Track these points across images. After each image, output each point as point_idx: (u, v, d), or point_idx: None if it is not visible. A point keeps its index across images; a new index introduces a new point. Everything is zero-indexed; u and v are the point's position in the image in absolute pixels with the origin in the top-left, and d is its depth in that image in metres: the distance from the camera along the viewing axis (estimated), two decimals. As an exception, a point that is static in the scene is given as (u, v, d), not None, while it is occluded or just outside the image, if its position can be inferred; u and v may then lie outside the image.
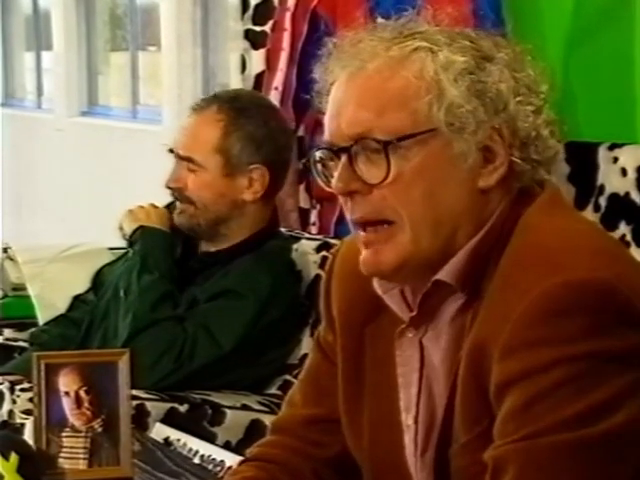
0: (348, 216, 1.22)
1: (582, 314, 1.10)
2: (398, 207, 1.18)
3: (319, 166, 1.24)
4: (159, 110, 5.39)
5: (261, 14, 3.00)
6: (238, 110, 2.25)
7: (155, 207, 2.39)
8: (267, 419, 2.11)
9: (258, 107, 2.31)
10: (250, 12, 3.03)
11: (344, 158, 1.19)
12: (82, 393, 1.74)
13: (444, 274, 1.20)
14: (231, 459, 1.74)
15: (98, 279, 2.50)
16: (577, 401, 1.09)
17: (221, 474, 1.73)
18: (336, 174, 1.20)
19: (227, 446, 2.01)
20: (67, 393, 1.74)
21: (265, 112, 2.30)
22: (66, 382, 1.74)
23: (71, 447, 1.74)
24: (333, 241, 2.42)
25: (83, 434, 1.74)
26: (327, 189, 1.22)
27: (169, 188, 2.29)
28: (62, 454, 1.74)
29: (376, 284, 1.25)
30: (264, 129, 2.25)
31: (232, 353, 2.18)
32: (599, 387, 1.09)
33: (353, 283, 1.30)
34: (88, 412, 1.74)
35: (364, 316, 1.30)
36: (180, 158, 2.26)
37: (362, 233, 1.21)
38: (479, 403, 1.15)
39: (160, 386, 2.13)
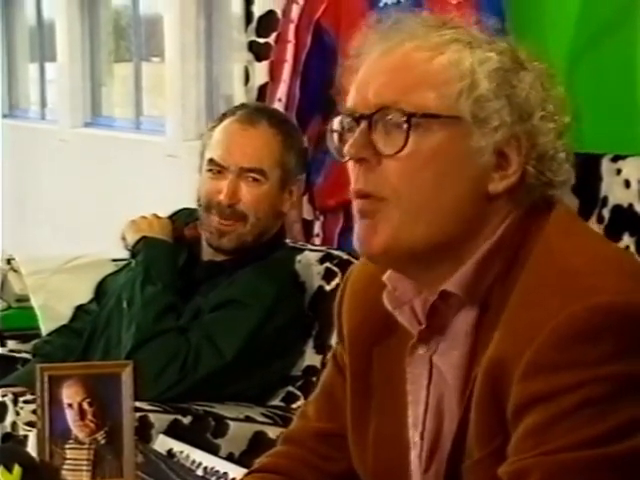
0: (351, 185, 1.21)
1: (609, 337, 1.10)
2: (401, 186, 1.17)
3: (335, 136, 1.23)
4: (162, 121, 5.40)
5: (265, 26, 3.01)
6: (287, 125, 2.33)
7: (158, 217, 2.39)
8: (270, 431, 2.11)
9: (293, 122, 2.42)
10: (254, 24, 3.04)
11: (363, 124, 1.19)
12: (85, 405, 1.73)
13: (451, 285, 1.19)
14: (234, 471, 1.74)
15: (100, 289, 2.50)
16: (599, 422, 1.09)
17: None
18: (351, 139, 1.19)
19: (230, 458, 2.01)
20: (70, 405, 1.73)
21: (297, 127, 2.42)
22: (69, 394, 1.73)
23: (74, 459, 1.74)
24: (336, 252, 2.42)
25: (86, 446, 1.73)
26: (340, 159, 1.22)
27: (223, 205, 2.23)
28: (65, 466, 1.73)
29: (386, 300, 1.25)
30: (304, 144, 2.37)
31: (235, 363, 2.18)
32: (622, 409, 1.09)
33: (364, 303, 1.30)
34: (91, 424, 1.73)
35: (373, 336, 1.29)
36: (245, 170, 2.23)
37: (358, 200, 1.20)
38: (494, 420, 1.14)
39: (165, 397, 2.12)
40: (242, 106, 2.42)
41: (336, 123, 1.23)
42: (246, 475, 1.43)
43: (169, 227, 2.36)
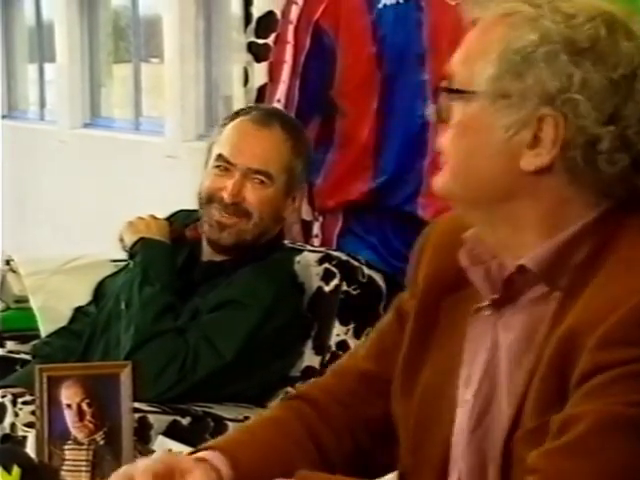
0: None
1: None
2: (447, 149, 1.27)
3: None
4: (162, 122, 5.40)
5: (264, 27, 3.00)
6: (298, 131, 2.34)
7: (156, 219, 2.38)
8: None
9: (303, 129, 2.43)
10: (253, 25, 3.03)
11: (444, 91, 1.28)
12: (84, 406, 1.73)
13: (529, 261, 1.22)
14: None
15: (99, 291, 2.49)
16: None
17: None
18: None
19: None
20: (69, 406, 1.73)
21: (306, 134, 2.43)
22: (68, 395, 1.74)
23: (73, 460, 1.74)
24: (335, 253, 2.42)
25: (85, 447, 1.74)
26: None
27: (226, 202, 2.23)
28: (64, 467, 1.73)
29: (462, 257, 1.29)
30: (311, 151, 2.38)
31: (234, 363, 2.18)
32: None
33: (445, 255, 1.34)
34: (90, 425, 1.74)
35: (445, 288, 1.33)
36: (252, 171, 2.23)
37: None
38: (556, 391, 1.16)
39: (164, 398, 2.12)
40: (256, 107, 2.43)
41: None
42: (284, 400, 1.48)
43: (167, 228, 2.36)
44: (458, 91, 1.24)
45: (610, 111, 1.19)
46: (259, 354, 2.23)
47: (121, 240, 2.37)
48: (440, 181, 1.28)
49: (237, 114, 2.33)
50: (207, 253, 2.32)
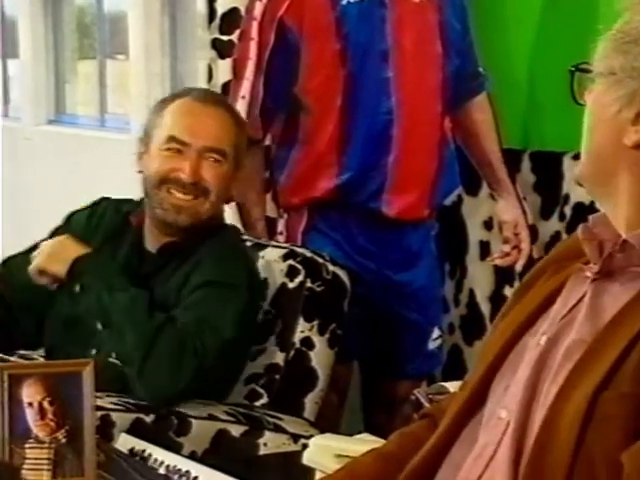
0: None
1: None
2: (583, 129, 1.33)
3: None
4: (127, 119, 5.39)
5: (228, 23, 3.00)
6: (234, 108, 2.35)
7: (57, 237, 2.28)
8: (233, 429, 2.12)
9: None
10: (217, 21, 3.03)
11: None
12: (46, 404, 1.74)
13: (633, 236, 1.26)
14: (197, 469, 1.74)
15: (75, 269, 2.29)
16: None
17: None
18: None
19: (193, 456, 2.01)
20: (31, 404, 1.73)
21: None
22: (30, 393, 1.74)
23: (35, 458, 1.74)
24: (300, 250, 2.42)
25: (47, 445, 1.74)
26: None
27: (185, 182, 2.20)
28: (26, 465, 1.73)
29: (580, 230, 1.34)
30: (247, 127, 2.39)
31: (236, 340, 2.16)
32: None
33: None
34: (52, 423, 1.74)
35: (555, 259, 1.42)
36: (207, 150, 2.21)
37: None
38: None
39: (192, 387, 2.09)
40: (190, 89, 2.41)
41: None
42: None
43: (75, 238, 2.27)
44: (590, 71, 1.31)
45: None
46: (252, 332, 2.23)
47: (42, 273, 2.23)
48: (579, 165, 1.34)
49: (175, 97, 2.30)
50: (153, 239, 2.28)
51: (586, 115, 1.32)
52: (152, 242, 2.29)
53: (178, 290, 2.21)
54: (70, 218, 2.44)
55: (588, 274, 1.30)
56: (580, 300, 1.30)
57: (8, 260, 2.41)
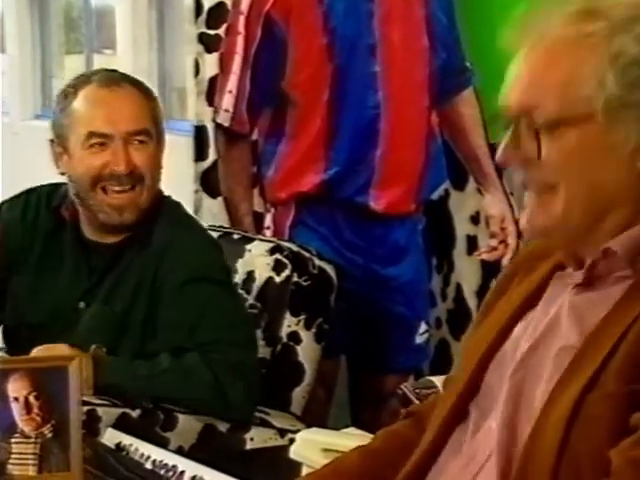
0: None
1: None
2: (555, 178, 1.23)
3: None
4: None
5: (215, 18, 3.00)
6: (137, 80, 2.25)
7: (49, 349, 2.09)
8: (220, 424, 2.12)
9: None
10: (204, 16, 3.04)
11: (509, 131, 1.24)
12: (32, 398, 1.73)
13: (615, 243, 1.23)
14: (183, 464, 1.74)
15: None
16: None
17: (174, 479, 1.74)
18: (501, 146, 1.25)
19: (180, 451, 2.01)
20: (16, 399, 1.73)
21: None
22: (15, 388, 1.73)
23: (20, 453, 1.74)
24: (287, 244, 2.43)
25: (33, 440, 1.74)
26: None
27: (120, 174, 2.13)
28: (11, 460, 1.74)
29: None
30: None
31: (249, 338, 2.17)
32: None
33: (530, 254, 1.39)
34: (38, 418, 1.74)
35: (526, 261, 1.38)
36: (131, 134, 2.14)
37: (526, 192, 1.27)
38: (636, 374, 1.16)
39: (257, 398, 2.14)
40: (88, 74, 2.24)
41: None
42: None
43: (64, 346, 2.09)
44: (562, 121, 1.20)
45: None
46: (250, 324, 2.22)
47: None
48: (547, 219, 1.25)
49: (74, 90, 2.18)
50: (96, 232, 2.21)
51: (576, 160, 1.21)
52: (95, 235, 2.22)
53: (152, 282, 2.15)
54: (0, 208, 2.35)
55: (569, 281, 1.29)
56: (561, 307, 1.28)
57: None
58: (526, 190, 1.26)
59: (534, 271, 1.35)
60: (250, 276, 2.36)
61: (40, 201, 2.31)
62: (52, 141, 2.23)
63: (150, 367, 2.08)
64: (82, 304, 2.21)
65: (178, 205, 2.28)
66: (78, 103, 2.16)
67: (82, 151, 2.15)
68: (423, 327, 2.79)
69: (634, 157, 1.21)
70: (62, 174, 2.23)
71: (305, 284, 2.33)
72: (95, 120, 2.14)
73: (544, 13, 1.23)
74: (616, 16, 1.20)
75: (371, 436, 1.70)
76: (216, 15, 2.99)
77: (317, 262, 2.37)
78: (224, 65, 2.74)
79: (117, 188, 2.14)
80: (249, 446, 2.13)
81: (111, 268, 2.20)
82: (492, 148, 2.82)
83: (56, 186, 2.32)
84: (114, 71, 2.28)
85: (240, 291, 2.35)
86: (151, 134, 2.17)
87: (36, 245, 2.26)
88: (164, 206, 2.23)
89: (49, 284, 2.24)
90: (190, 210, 3.06)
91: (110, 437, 1.89)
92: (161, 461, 1.77)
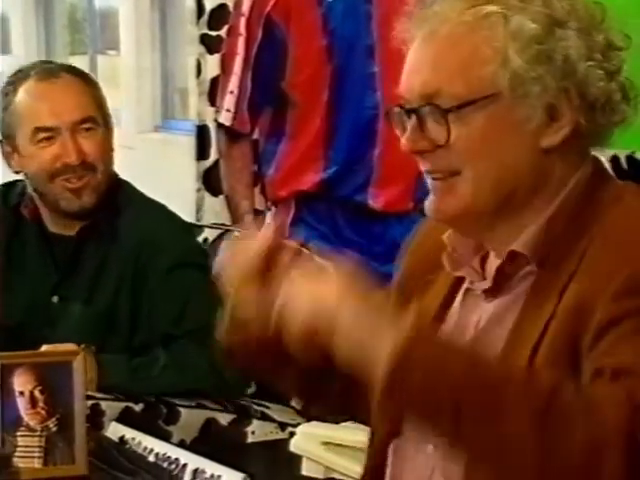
0: (420, 167, 1.27)
1: None
2: (462, 162, 1.23)
3: (397, 118, 1.28)
4: (118, 113, 5.41)
5: (216, 19, 3.03)
6: (75, 67, 2.25)
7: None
8: (221, 417, 2.12)
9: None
10: (205, 17, 3.06)
11: (414, 118, 1.24)
12: (37, 393, 1.76)
13: (519, 245, 1.24)
14: (186, 457, 1.75)
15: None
16: None
17: (176, 472, 1.75)
18: (406, 133, 1.25)
19: (182, 444, 2.01)
20: (22, 393, 1.75)
21: None
22: (21, 382, 1.76)
23: (26, 446, 1.76)
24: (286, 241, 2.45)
25: (38, 433, 1.76)
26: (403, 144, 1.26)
27: (73, 165, 2.11)
28: (17, 453, 1.76)
29: (446, 262, 1.30)
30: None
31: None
32: None
33: (424, 248, 1.38)
34: (43, 411, 1.76)
35: (424, 272, 1.36)
36: (78, 123, 2.12)
37: (430, 180, 1.26)
38: (565, 359, 1.16)
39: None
40: (25, 69, 2.21)
41: (396, 112, 1.28)
42: None
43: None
44: (470, 103, 1.21)
45: None
46: None
47: None
48: (458, 202, 1.24)
49: (14, 87, 2.16)
50: (58, 224, 2.20)
51: (484, 142, 1.21)
52: (58, 227, 2.21)
53: (134, 274, 2.14)
54: None
55: (478, 292, 1.28)
56: (480, 320, 1.28)
57: None
58: (430, 177, 1.26)
59: (429, 287, 1.34)
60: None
61: None
62: (1, 142, 2.20)
63: (149, 365, 2.10)
64: (55, 298, 2.20)
65: (132, 187, 2.25)
66: (19, 100, 2.14)
67: (31, 147, 2.14)
68: (421, 323, 2.80)
69: (537, 135, 1.22)
70: (16, 173, 2.22)
71: (305, 280, 2.34)
72: (39, 115, 2.13)
73: (438, 3, 1.25)
74: (507, 0, 1.22)
75: (368, 429, 1.73)
76: (217, 17, 3.02)
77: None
78: (225, 66, 2.77)
79: (68, 184, 2.13)
80: (250, 439, 2.13)
81: (76, 259, 2.19)
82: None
83: (8, 186, 2.29)
84: (50, 62, 2.28)
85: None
86: (97, 120, 2.16)
87: None
88: (121, 189, 2.21)
89: (18, 283, 2.22)
90: (193, 208, 3.10)
91: (114, 431, 1.90)
92: (164, 454, 1.78)
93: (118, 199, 2.19)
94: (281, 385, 1.42)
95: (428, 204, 1.27)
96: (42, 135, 2.13)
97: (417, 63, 1.26)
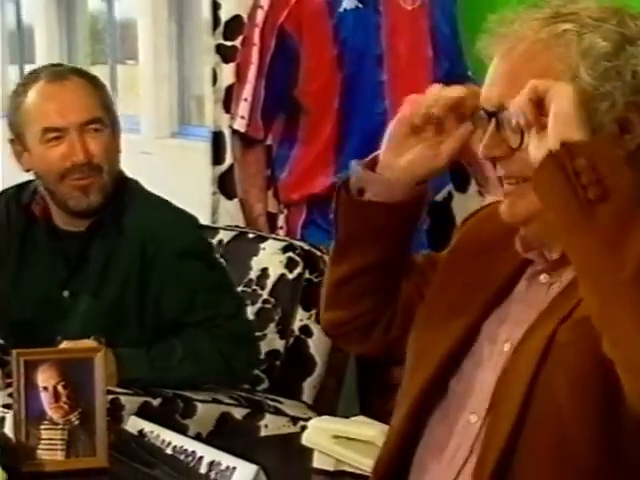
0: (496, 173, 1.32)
1: None
2: (533, 169, 1.23)
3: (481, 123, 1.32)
4: (137, 120, 5.47)
5: (231, 30, 3.07)
6: (84, 71, 2.30)
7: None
8: (236, 412, 2.17)
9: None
10: (221, 28, 3.10)
11: (492, 123, 1.29)
12: (60, 388, 1.80)
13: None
14: (202, 450, 1.77)
15: None
16: None
17: (193, 464, 1.75)
18: (484, 140, 1.30)
19: (198, 437, 2.05)
20: (45, 388, 1.80)
21: None
22: (44, 378, 1.80)
23: (49, 439, 1.81)
24: (299, 243, 2.48)
25: (61, 426, 1.80)
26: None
27: (81, 164, 2.16)
28: (41, 446, 1.80)
29: (518, 243, 1.35)
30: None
31: (241, 309, 2.25)
32: None
33: (485, 224, 1.45)
34: (65, 406, 1.80)
35: (478, 248, 1.42)
36: (85, 124, 2.16)
37: (505, 185, 1.31)
38: None
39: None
40: (37, 71, 2.26)
41: (481, 116, 1.32)
42: None
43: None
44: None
45: None
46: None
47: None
48: (527, 206, 1.28)
49: (24, 88, 2.20)
50: (68, 221, 2.24)
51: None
52: (67, 223, 2.25)
53: (141, 267, 2.18)
54: None
55: (543, 281, 1.33)
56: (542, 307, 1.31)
57: None
58: (505, 182, 1.31)
59: (496, 262, 1.38)
60: (264, 273, 2.42)
61: (9, 203, 2.32)
62: (12, 140, 2.24)
63: (166, 357, 2.15)
64: (66, 293, 2.24)
65: (138, 184, 2.30)
66: (29, 101, 2.18)
67: (40, 146, 2.18)
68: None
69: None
70: (27, 171, 2.25)
71: (316, 280, 2.37)
72: (48, 115, 2.17)
73: (516, 20, 1.30)
74: (584, 18, 1.28)
75: (378, 424, 1.77)
76: (233, 27, 3.05)
77: (327, 260, 2.43)
78: (240, 74, 2.81)
79: (77, 183, 2.18)
80: (263, 433, 2.17)
81: (85, 254, 2.22)
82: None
83: (21, 186, 2.34)
84: (60, 65, 2.33)
85: (255, 287, 2.42)
86: (104, 122, 2.19)
87: (12, 245, 2.28)
88: (127, 187, 2.26)
89: (30, 279, 2.27)
90: (208, 211, 3.16)
91: (133, 424, 1.92)
92: (181, 447, 1.80)
93: (124, 196, 2.23)
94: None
95: (502, 207, 1.32)
96: (51, 135, 2.17)
97: (495, 77, 1.30)
